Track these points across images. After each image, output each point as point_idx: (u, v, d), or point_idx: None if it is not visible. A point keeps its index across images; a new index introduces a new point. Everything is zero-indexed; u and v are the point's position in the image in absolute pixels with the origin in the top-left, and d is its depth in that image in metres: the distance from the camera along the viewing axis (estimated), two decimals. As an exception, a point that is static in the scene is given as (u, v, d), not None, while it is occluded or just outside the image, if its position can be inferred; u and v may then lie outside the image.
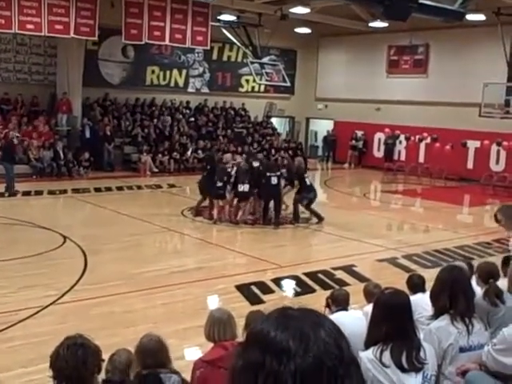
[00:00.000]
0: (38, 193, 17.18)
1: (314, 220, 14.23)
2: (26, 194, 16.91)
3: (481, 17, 19.73)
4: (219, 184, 13.72)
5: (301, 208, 14.26)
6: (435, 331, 4.09)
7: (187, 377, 4.21)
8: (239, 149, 23.05)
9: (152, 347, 3.90)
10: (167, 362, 4.02)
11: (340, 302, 5.38)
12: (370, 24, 22.95)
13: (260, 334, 1.27)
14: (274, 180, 13.71)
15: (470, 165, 23.18)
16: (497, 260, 6.77)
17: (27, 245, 11.08)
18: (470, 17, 18.58)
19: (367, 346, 3.60)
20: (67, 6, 17.87)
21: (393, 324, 3.53)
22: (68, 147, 21.11)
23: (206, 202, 14.45)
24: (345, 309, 5.32)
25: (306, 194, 14.11)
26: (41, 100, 22.63)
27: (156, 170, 22.16)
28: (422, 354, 3.53)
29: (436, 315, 4.27)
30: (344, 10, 21.90)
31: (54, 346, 3.42)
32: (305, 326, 1.25)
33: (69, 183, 18.92)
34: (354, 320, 4.79)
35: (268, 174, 13.77)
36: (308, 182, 14.24)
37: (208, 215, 14.17)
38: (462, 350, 4.07)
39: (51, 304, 7.95)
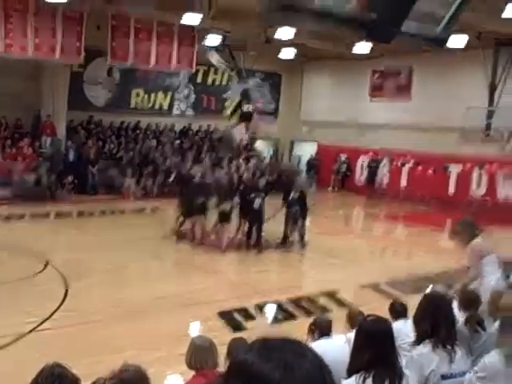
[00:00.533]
0: (20, 216, 17.01)
1: (298, 245, 14.21)
2: (8, 217, 16.71)
3: (463, 40, 19.89)
4: (200, 200, 13.65)
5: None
6: (417, 357, 4.10)
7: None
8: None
9: (131, 378, 3.84)
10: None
11: (323, 328, 5.36)
12: (355, 48, 23.08)
13: (243, 365, 1.26)
14: (257, 203, 13.57)
15: (451, 189, 23.32)
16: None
17: (7, 270, 10.91)
18: (453, 41, 18.73)
19: (350, 373, 3.59)
20: (53, 28, 17.92)
21: (375, 351, 3.52)
22: (51, 170, 20.97)
23: (189, 226, 14.37)
24: (328, 335, 5.30)
25: (289, 208, 14.13)
26: (25, 122, 22.46)
27: (140, 193, 22.08)
28: (404, 381, 3.52)
29: (418, 341, 4.27)
30: (329, 34, 22.08)
31: (34, 373, 3.38)
32: (288, 357, 1.25)
33: (52, 206, 18.76)
34: (336, 347, 4.77)
35: (252, 194, 13.65)
36: (290, 197, 14.13)
37: (191, 238, 14.09)
38: (443, 377, 4.07)
39: (32, 331, 7.82)
